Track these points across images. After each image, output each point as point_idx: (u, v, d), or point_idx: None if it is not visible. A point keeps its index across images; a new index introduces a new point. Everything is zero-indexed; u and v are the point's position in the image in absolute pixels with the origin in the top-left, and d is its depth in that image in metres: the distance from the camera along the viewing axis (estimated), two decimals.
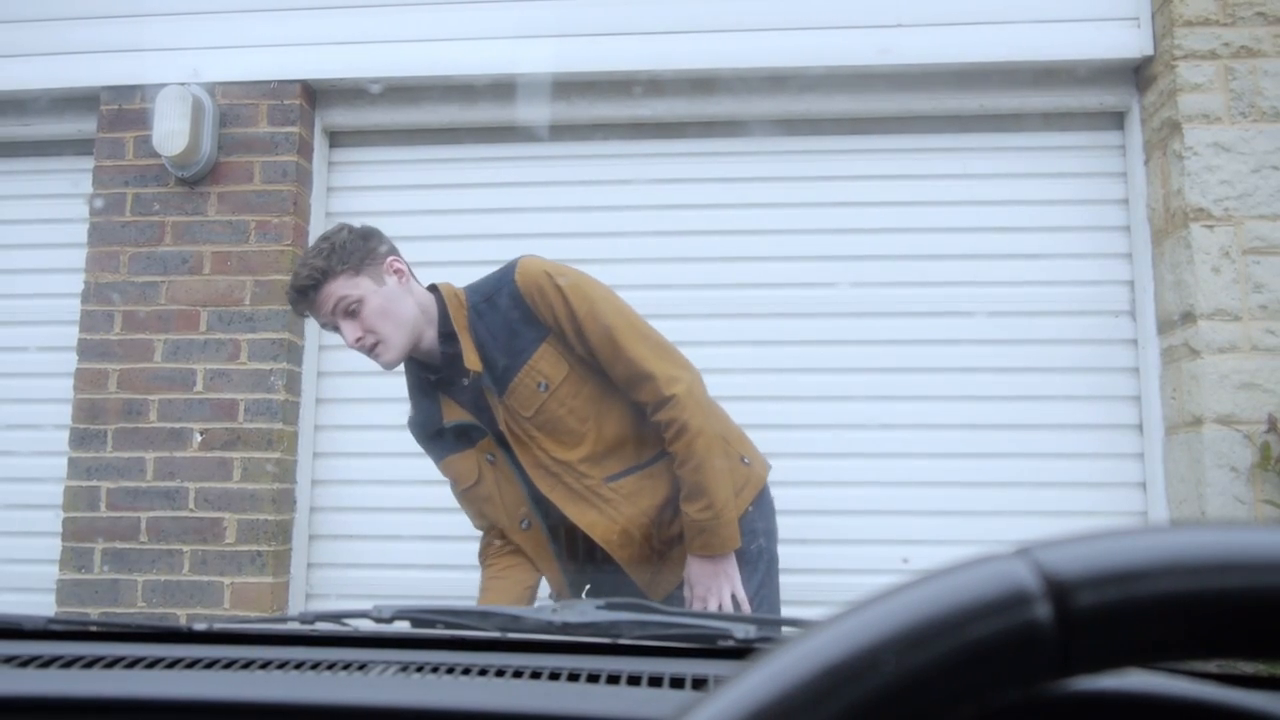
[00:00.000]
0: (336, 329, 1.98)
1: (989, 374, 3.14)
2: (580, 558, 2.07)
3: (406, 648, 0.88)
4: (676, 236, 3.27)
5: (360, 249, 1.99)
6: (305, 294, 1.95)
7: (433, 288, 2.08)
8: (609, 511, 1.99)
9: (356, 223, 3.25)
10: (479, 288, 2.05)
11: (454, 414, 2.04)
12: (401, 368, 2.09)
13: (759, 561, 2.08)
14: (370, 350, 1.97)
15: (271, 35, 3.33)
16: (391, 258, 2.02)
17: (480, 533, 2.21)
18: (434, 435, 2.09)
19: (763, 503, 2.16)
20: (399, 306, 1.98)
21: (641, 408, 1.97)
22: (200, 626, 0.93)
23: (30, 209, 3.53)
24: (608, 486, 1.99)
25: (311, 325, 3.32)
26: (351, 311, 1.95)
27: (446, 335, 2.01)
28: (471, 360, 1.96)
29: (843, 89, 3.24)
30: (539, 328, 1.95)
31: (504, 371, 1.97)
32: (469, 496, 2.12)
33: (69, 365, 3.25)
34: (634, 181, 3.32)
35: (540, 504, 2.03)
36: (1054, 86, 3.19)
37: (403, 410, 3.25)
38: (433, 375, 2.06)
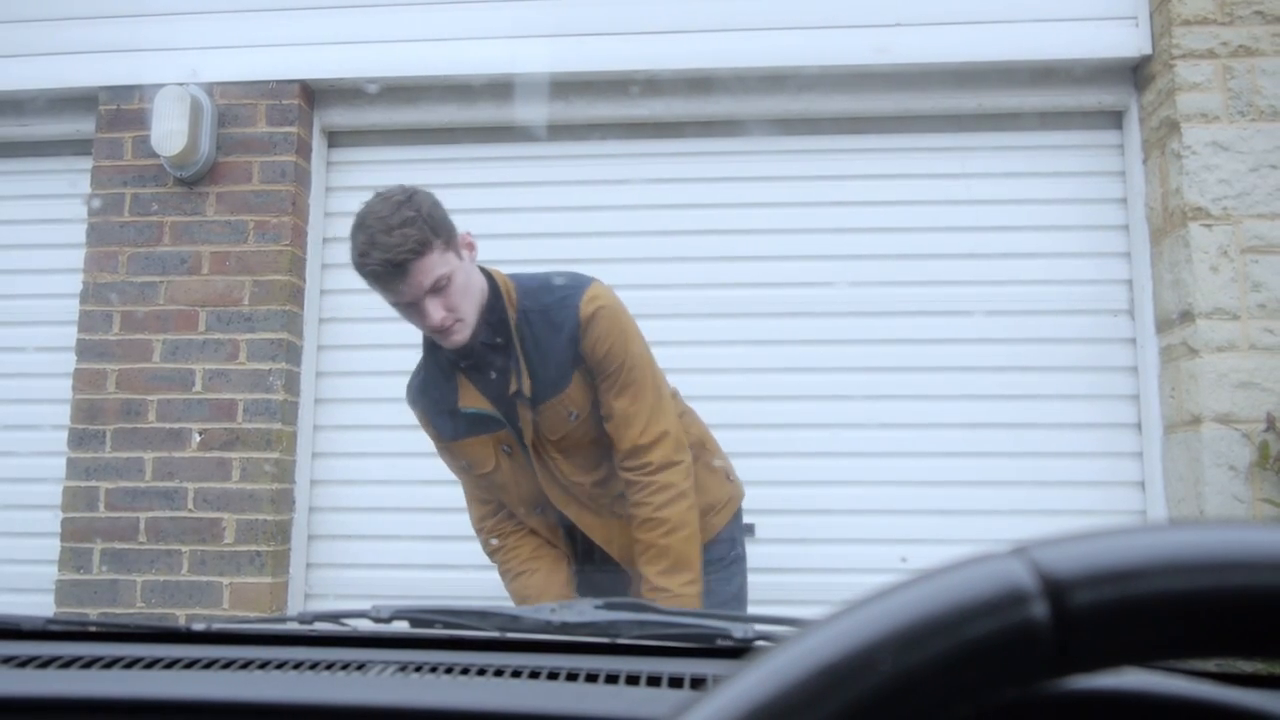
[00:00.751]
0: (411, 307, 1.82)
1: (987, 373, 3.14)
2: (588, 553, 2.10)
3: (405, 648, 0.88)
4: (674, 236, 3.27)
5: (446, 219, 1.86)
6: (402, 268, 1.74)
7: (482, 270, 1.98)
8: (623, 529, 2.02)
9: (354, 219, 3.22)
10: (532, 290, 1.95)
11: (473, 400, 1.96)
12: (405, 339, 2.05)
13: (735, 566, 2.14)
14: (450, 330, 1.83)
15: (270, 35, 3.33)
16: (465, 231, 1.92)
17: (466, 511, 2.18)
18: (444, 414, 2.01)
19: (737, 513, 2.23)
20: (475, 284, 1.88)
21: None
22: (199, 627, 0.93)
23: (28, 209, 3.52)
24: (619, 503, 2.01)
25: (311, 325, 3.32)
26: (440, 289, 1.79)
27: (493, 325, 1.91)
28: (522, 381, 1.89)
29: (840, 88, 3.24)
30: (578, 357, 1.91)
31: (541, 389, 1.91)
32: (483, 480, 2.06)
33: (68, 365, 3.25)
34: (631, 181, 3.32)
35: (551, 496, 2.04)
36: (1052, 86, 3.19)
37: (402, 410, 3.26)
38: (463, 361, 1.94)
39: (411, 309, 1.82)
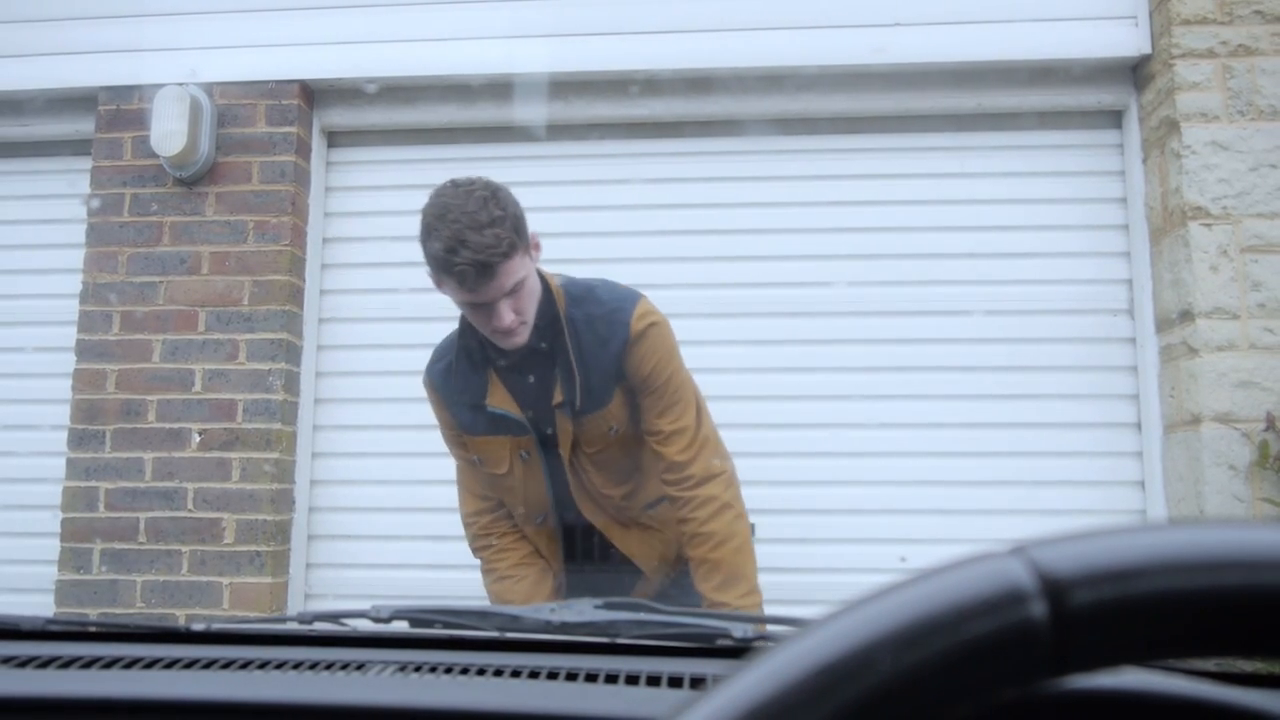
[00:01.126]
0: (482, 307, 1.73)
1: (987, 373, 3.14)
2: (585, 558, 2.07)
3: (405, 647, 0.88)
4: (673, 236, 3.27)
5: (524, 219, 1.76)
6: (490, 270, 1.66)
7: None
8: (648, 539, 2.02)
9: (356, 221, 3.23)
10: (578, 298, 1.89)
11: (501, 400, 1.90)
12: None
13: None
14: (512, 333, 1.77)
15: (269, 35, 3.33)
16: (534, 230, 1.81)
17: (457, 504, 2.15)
18: (465, 406, 1.95)
19: None
20: (538, 286, 1.82)
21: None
22: (199, 627, 0.93)
23: (28, 209, 3.52)
24: (646, 514, 2.01)
25: (310, 325, 3.32)
26: (515, 292, 1.72)
27: (541, 330, 1.84)
28: (573, 391, 1.85)
29: (839, 88, 3.24)
30: (621, 372, 1.87)
31: (586, 401, 1.86)
32: (491, 481, 2.02)
33: (67, 366, 3.25)
34: (630, 181, 3.32)
35: (560, 508, 2.01)
36: (1051, 85, 3.19)
37: (402, 411, 3.26)
38: (503, 359, 1.88)
39: (482, 309, 1.74)
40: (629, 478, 1.98)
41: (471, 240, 1.64)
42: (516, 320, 1.75)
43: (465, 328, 1.91)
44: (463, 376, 1.93)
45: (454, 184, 1.74)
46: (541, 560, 2.05)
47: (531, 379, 1.89)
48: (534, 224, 3.33)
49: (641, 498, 2.00)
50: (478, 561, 2.14)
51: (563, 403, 1.86)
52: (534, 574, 2.02)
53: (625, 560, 2.03)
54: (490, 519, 2.08)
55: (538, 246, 1.83)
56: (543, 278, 1.87)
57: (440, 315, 3.31)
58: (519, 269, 1.70)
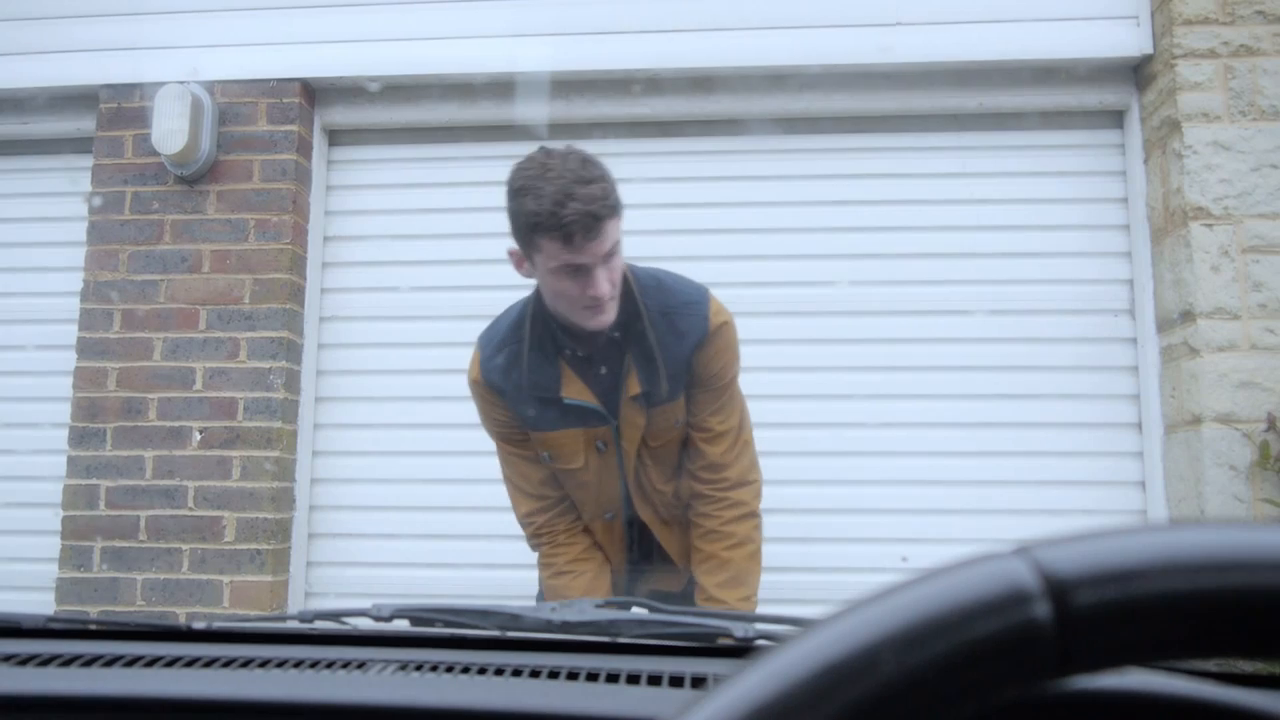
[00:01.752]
0: (579, 272, 1.65)
1: (988, 372, 3.14)
2: (645, 557, 2.06)
3: (406, 646, 0.88)
4: (675, 235, 3.27)
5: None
6: (599, 223, 1.60)
7: None
8: (682, 536, 2.02)
9: (357, 219, 3.23)
10: (650, 289, 1.84)
11: (577, 391, 1.83)
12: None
13: None
14: (603, 306, 1.70)
15: (270, 34, 3.33)
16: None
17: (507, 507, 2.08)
18: (535, 401, 1.85)
19: None
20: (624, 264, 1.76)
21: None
22: (199, 625, 0.92)
23: (29, 207, 3.52)
24: (682, 511, 2.01)
25: (311, 323, 3.32)
26: (610, 258, 1.66)
27: (620, 317, 1.78)
28: (656, 382, 1.80)
29: (842, 87, 3.24)
30: (690, 367, 1.84)
31: (662, 393, 1.82)
32: (563, 476, 1.95)
33: (68, 363, 3.25)
34: (633, 180, 3.30)
35: (630, 502, 1.99)
36: (1053, 85, 3.19)
37: (403, 409, 3.26)
38: (581, 350, 1.82)
39: (578, 274, 1.65)
40: (677, 474, 1.97)
41: (579, 193, 1.59)
42: (611, 293, 1.68)
43: (535, 316, 1.83)
44: (536, 370, 1.84)
45: (545, 150, 1.70)
46: (599, 554, 2.02)
47: (603, 369, 1.83)
48: None
49: (682, 494, 2.00)
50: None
51: (640, 394, 1.81)
52: (592, 568, 1.99)
53: (665, 556, 2.03)
54: (546, 518, 2.01)
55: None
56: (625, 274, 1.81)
57: (441, 314, 3.33)
58: (616, 233, 1.66)
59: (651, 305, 1.81)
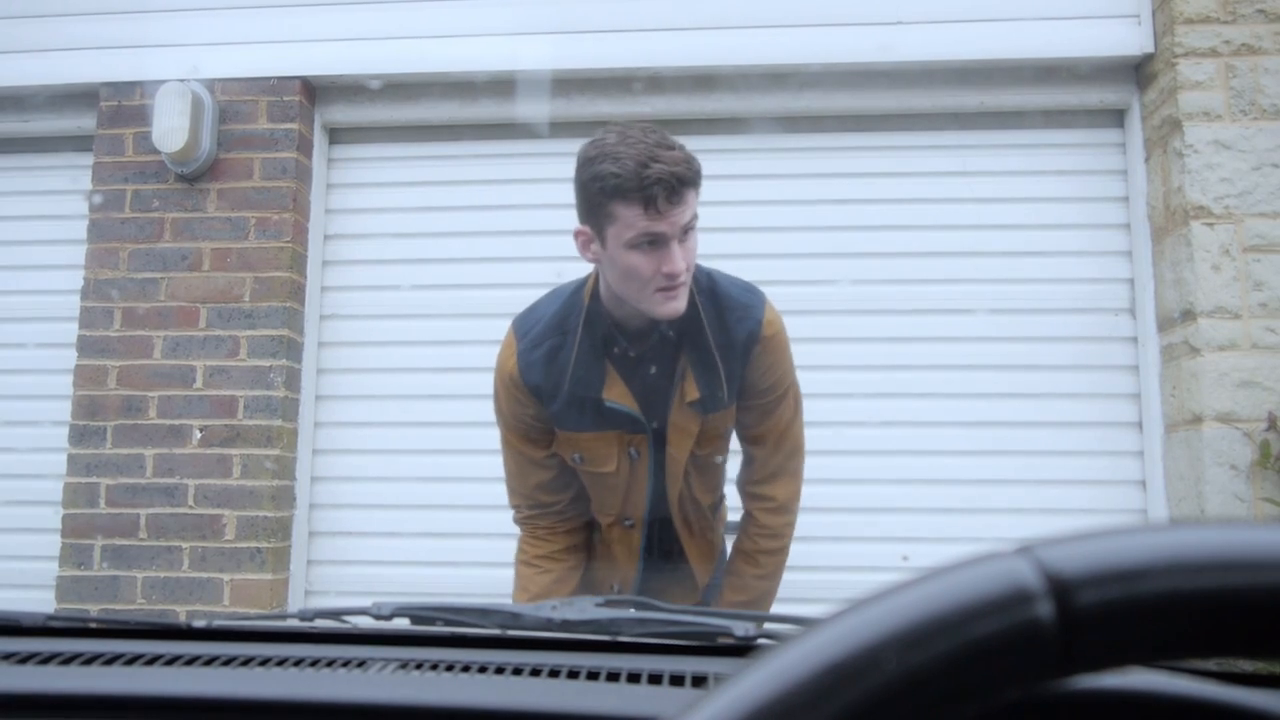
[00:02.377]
0: (657, 243, 1.57)
1: (989, 371, 3.14)
2: (660, 564, 2.00)
3: (406, 645, 0.88)
4: None
5: None
6: (683, 187, 1.55)
7: None
8: (708, 548, 1.99)
9: (358, 217, 3.22)
10: (705, 286, 1.74)
11: (619, 394, 1.73)
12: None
13: None
14: (675, 289, 1.59)
15: (271, 31, 3.33)
16: None
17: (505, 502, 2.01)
18: (572, 399, 1.75)
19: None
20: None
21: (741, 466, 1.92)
22: (200, 623, 0.92)
23: (29, 205, 3.53)
24: (712, 522, 1.99)
25: (312, 322, 3.32)
26: (687, 234, 1.60)
27: (679, 319, 1.68)
28: (718, 387, 1.72)
29: (843, 86, 3.23)
30: (743, 374, 1.76)
31: (720, 399, 1.74)
32: (591, 475, 1.86)
33: (68, 362, 3.25)
34: None
35: (654, 510, 1.90)
36: (1054, 84, 3.19)
37: (403, 408, 3.26)
38: (632, 349, 1.72)
39: (653, 249, 1.57)
40: (716, 488, 1.93)
41: (664, 156, 1.53)
42: (686, 275, 1.58)
43: (589, 308, 1.73)
44: (582, 365, 1.72)
45: (620, 125, 1.62)
46: (573, 557, 1.95)
47: (653, 370, 1.74)
48: (537, 221, 3.34)
49: (714, 506, 1.97)
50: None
51: (697, 400, 1.72)
52: (559, 570, 1.91)
53: (685, 569, 1.98)
54: (532, 514, 1.95)
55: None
56: None
57: (441, 313, 3.33)
58: (695, 205, 1.58)
59: (707, 304, 1.72)
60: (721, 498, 2.00)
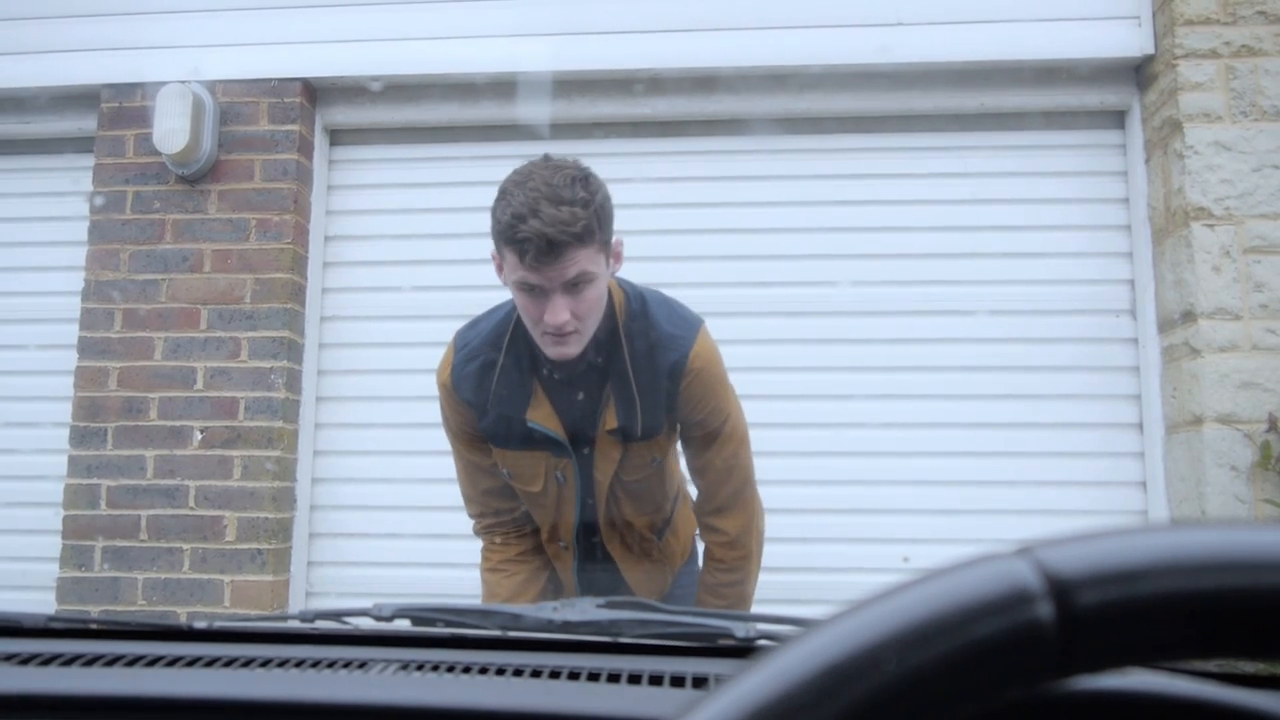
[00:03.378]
0: (535, 293, 1.56)
1: (989, 373, 3.14)
2: (597, 584, 2.00)
3: (407, 646, 0.88)
4: (677, 235, 3.27)
5: (612, 218, 1.61)
6: (555, 250, 1.49)
7: None
8: (652, 572, 1.98)
9: (359, 219, 3.21)
10: (637, 314, 1.74)
11: (543, 417, 1.73)
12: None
13: None
14: (563, 337, 1.59)
15: (272, 33, 3.33)
16: (619, 239, 1.66)
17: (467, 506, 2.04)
18: (499, 416, 1.76)
19: None
20: (603, 298, 1.65)
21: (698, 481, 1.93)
22: (200, 624, 0.92)
23: (30, 207, 3.53)
24: (658, 545, 1.98)
25: (312, 323, 3.32)
26: (576, 288, 1.55)
27: (601, 344, 1.69)
28: (632, 417, 1.71)
29: (843, 87, 3.24)
30: (673, 405, 1.75)
31: (640, 429, 1.73)
32: (523, 495, 1.88)
33: (69, 363, 3.25)
34: (634, 180, 3.31)
35: (585, 533, 1.91)
36: (1055, 85, 3.19)
37: (404, 409, 3.26)
38: (559, 374, 1.72)
39: (534, 295, 1.56)
40: (655, 510, 1.92)
41: (545, 212, 1.48)
42: (572, 324, 1.56)
43: (518, 329, 1.73)
44: (506, 384, 1.73)
45: (547, 158, 1.60)
46: (537, 559, 1.97)
47: (581, 396, 1.73)
48: None
49: (660, 526, 1.96)
50: (480, 561, 2.11)
51: (616, 429, 1.72)
52: (525, 571, 1.94)
53: (628, 590, 1.99)
54: (488, 522, 1.98)
55: (619, 257, 1.67)
56: (609, 290, 1.71)
57: (442, 314, 3.32)
58: (588, 262, 1.53)
59: (636, 335, 1.71)
60: (666, 520, 1.97)
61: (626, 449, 1.76)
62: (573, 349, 1.61)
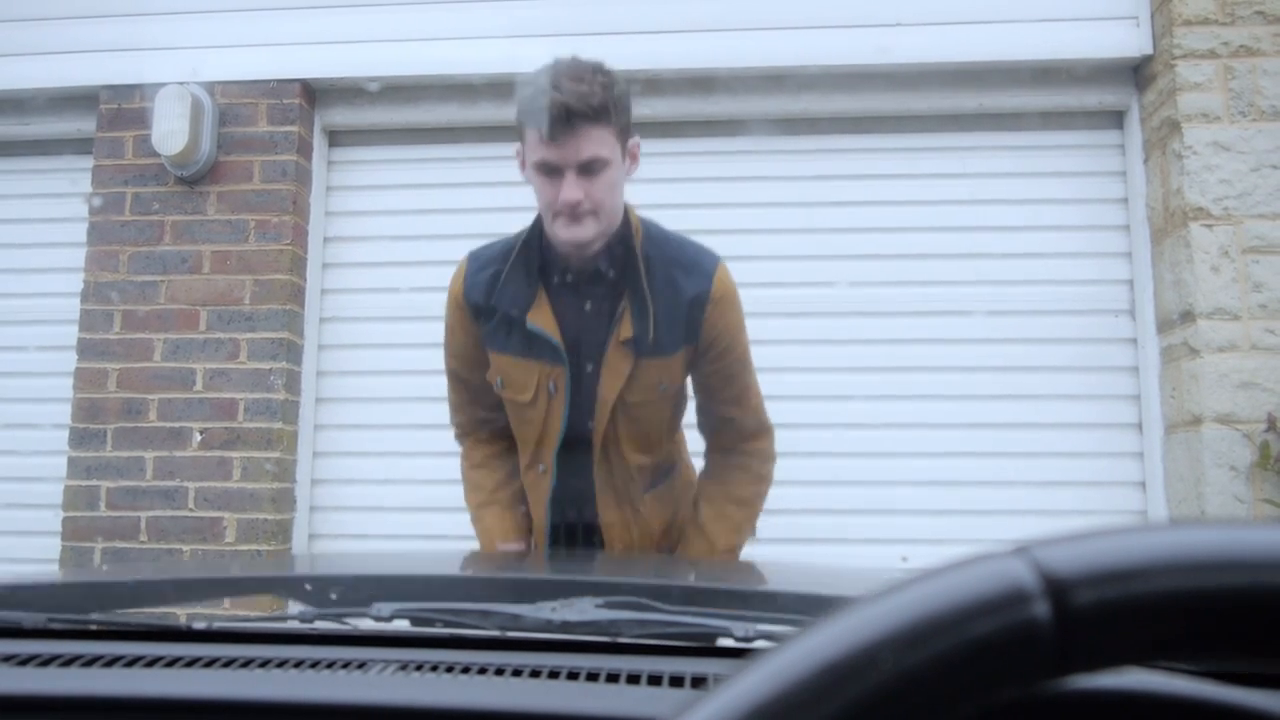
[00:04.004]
0: (551, 173, 1.63)
1: (988, 373, 3.14)
2: (570, 519, 1.96)
3: (406, 646, 0.88)
4: None
5: (630, 112, 1.69)
6: (571, 121, 1.56)
7: None
8: (631, 520, 1.93)
9: (358, 220, 3.21)
10: (657, 239, 1.80)
11: (543, 320, 1.75)
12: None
13: None
14: (578, 217, 1.64)
15: (270, 34, 3.33)
16: (636, 140, 1.74)
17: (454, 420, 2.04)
18: (499, 317, 1.79)
19: None
20: (622, 192, 1.72)
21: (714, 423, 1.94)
22: (200, 625, 0.92)
23: (29, 208, 3.53)
24: (644, 497, 1.93)
25: (312, 324, 3.32)
26: (590, 171, 1.62)
27: (615, 257, 1.74)
28: (645, 327, 1.72)
29: (841, 88, 3.24)
30: (694, 331, 1.77)
31: (652, 344, 1.75)
32: (511, 404, 1.86)
33: (68, 364, 3.25)
34: (632, 180, 3.31)
35: (564, 456, 1.87)
36: (1053, 85, 3.19)
37: (403, 410, 3.26)
38: (570, 277, 1.75)
39: (551, 177, 1.63)
40: (651, 449, 1.88)
41: (566, 87, 1.56)
42: (588, 205, 1.62)
43: (530, 239, 1.79)
44: (513, 281, 1.77)
45: (571, 56, 1.67)
46: (516, 458, 1.94)
47: (588, 305, 1.76)
48: None
49: (650, 475, 1.92)
50: (461, 463, 2.09)
51: (630, 339, 1.74)
52: (509, 466, 1.95)
53: (600, 537, 1.93)
54: (475, 427, 1.99)
55: (635, 158, 1.74)
56: (626, 209, 1.78)
57: (441, 316, 3.31)
58: (603, 145, 1.61)
59: (653, 254, 1.76)
60: (659, 472, 1.94)
61: (637, 365, 1.76)
62: (586, 231, 1.65)
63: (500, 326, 1.79)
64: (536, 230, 1.78)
